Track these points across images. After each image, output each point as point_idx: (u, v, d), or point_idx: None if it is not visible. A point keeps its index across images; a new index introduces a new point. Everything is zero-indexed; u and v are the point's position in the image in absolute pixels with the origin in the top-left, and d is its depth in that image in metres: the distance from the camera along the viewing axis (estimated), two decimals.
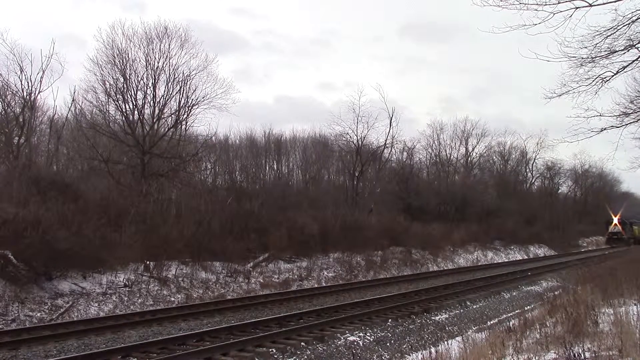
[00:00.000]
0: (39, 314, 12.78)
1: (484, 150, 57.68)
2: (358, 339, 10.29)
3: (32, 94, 24.82)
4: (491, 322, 12.63)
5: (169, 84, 26.51)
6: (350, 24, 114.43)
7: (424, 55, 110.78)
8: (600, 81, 12.47)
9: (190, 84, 26.77)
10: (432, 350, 8.44)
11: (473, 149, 56.90)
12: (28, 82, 24.55)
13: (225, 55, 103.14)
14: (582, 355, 6.71)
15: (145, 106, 26.41)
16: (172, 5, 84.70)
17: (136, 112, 26.18)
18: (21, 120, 24.74)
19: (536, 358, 7.23)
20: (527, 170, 65.57)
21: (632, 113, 13.81)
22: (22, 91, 24.69)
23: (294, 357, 9.03)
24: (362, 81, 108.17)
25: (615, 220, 55.02)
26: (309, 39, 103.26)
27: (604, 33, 11.37)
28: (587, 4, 10.81)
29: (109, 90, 25.17)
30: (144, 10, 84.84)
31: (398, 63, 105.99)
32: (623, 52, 11.88)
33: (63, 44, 60.84)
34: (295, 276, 21.22)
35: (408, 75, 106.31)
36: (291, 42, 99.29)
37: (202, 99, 27.02)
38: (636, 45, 11.78)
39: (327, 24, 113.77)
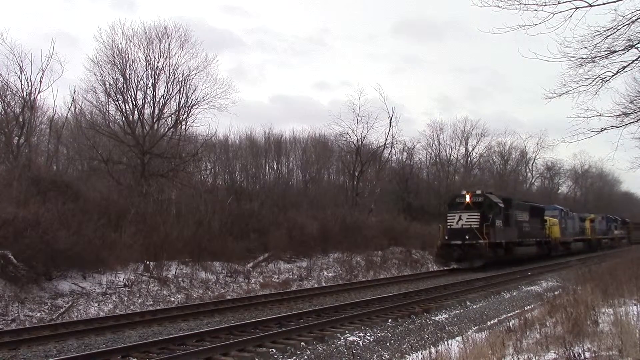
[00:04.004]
0: (39, 314, 12.77)
1: (484, 150, 57.74)
2: (358, 339, 10.27)
3: (32, 94, 24.88)
4: (491, 322, 12.61)
5: (169, 84, 26.59)
6: (344, 22, 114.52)
7: (419, 54, 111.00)
8: (600, 81, 12.50)
9: (190, 84, 26.86)
10: (432, 350, 8.43)
11: (473, 149, 56.96)
12: (28, 82, 24.62)
13: (219, 54, 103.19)
14: (582, 355, 6.71)
15: (145, 106, 26.49)
16: (163, 3, 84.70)
17: (136, 112, 26.25)
18: (21, 120, 24.75)
19: (536, 358, 7.23)
20: (527, 170, 65.75)
21: (632, 113, 13.84)
22: (22, 91, 24.74)
23: (294, 357, 9.02)
24: (358, 80, 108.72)
25: (467, 197, 24.83)
26: (303, 38, 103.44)
27: (604, 33, 11.39)
28: (587, 4, 10.83)
29: (109, 90, 25.25)
30: (133, 8, 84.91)
31: (393, 62, 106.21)
32: (623, 52, 11.92)
33: (55, 42, 60.93)
34: (295, 276, 21.20)
35: (403, 75, 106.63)
36: (285, 41, 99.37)
37: (202, 99, 27.11)
38: (636, 45, 11.80)
39: (320, 22, 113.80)
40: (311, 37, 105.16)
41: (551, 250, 33.10)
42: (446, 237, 24.43)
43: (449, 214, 25.42)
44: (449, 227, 24.74)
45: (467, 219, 24.25)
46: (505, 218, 26.02)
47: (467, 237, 23.57)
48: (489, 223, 24.05)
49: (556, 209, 37.03)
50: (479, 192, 25.97)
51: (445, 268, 25.29)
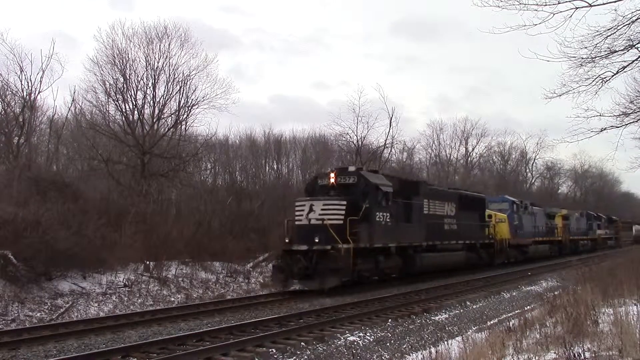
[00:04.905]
0: (39, 314, 12.78)
1: (484, 150, 57.83)
2: (358, 339, 10.28)
3: (32, 94, 24.88)
4: (491, 322, 12.61)
5: (169, 84, 26.61)
6: (342, 21, 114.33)
7: (417, 54, 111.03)
8: (600, 81, 12.48)
9: (190, 84, 26.88)
10: (432, 350, 8.45)
11: (473, 149, 57.08)
12: (28, 82, 24.63)
13: (217, 54, 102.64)
14: (582, 355, 6.71)
15: (145, 106, 26.52)
16: (160, 3, 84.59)
17: (136, 112, 26.28)
18: (21, 120, 24.77)
19: (536, 358, 7.23)
20: (527, 170, 65.80)
21: (632, 113, 13.82)
22: (22, 91, 24.75)
23: (294, 357, 9.02)
24: (357, 80, 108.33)
25: (331, 178, 16.79)
26: (301, 37, 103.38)
27: (604, 33, 11.38)
28: (587, 4, 10.82)
29: (109, 90, 25.29)
30: (131, 7, 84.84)
31: (392, 62, 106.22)
32: (623, 52, 11.91)
33: (54, 42, 60.94)
34: None
35: (402, 74, 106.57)
36: (282, 41, 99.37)
37: (202, 99, 27.12)
38: (636, 45, 11.79)
39: (318, 21, 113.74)
40: (309, 36, 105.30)
41: (494, 256, 25.20)
42: (287, 240, 16.07)
43: (297, 203, 16.56)
44: (296, 223, 16.20)
45: (322, 210, 15.53)
46: (401, 210, 17.88)
47: (317, 240, 15.07)
48: (358, 217, 15.57)
49: (505, 201, 29.08)
50: (352, 168, 17.54)
51: (280, 290, 15.89)
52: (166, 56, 26.13)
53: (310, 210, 15.78)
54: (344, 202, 15.85)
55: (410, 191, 19.11)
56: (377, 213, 16.58)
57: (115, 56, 25.13)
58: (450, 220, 21.55)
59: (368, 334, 10.68)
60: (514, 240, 27.51)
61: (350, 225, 15.41)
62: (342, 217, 15.55)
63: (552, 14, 10.76)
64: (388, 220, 17.05)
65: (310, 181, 19.10)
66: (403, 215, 18.19)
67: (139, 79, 25.80)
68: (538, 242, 31.39)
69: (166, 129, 27.57)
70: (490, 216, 25.97)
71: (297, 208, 16.44)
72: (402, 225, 17.99)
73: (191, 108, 27.53)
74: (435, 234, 20.04)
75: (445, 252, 20.70)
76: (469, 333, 10.76)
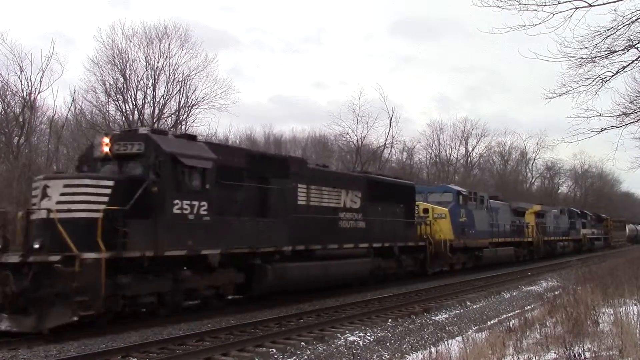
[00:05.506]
0: None
1: (484, 150, 57.85)
2: (358, 339, 10.28)
3: (32, 94, 24.92)
4: (491, 322, 12.60)
5: (169, 84, 26.70)
6: (340, 21, 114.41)
7: (416, 54, 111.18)
8: (600, 81, 12.52)
9: (190, 84, 26.93)
10: (432, 350, 8.43)
11: (473, 149, 57.09)
12: (28, 82, 24.67)
13: (216, 54, 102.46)
14: (582, 355, 6.72)
15: (145, 106, 26.59)
16: (158, 2, 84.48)
17: (136, 112, 26.31)
18: (21, 120, 24.80)
19: (536, 358, 7.23)
20: (527, 170, 65.89)
21: (632, 113, 13.85)
22: (22, 91, 24.80)
23: (294, 357, 9.02)
24: (356, 80, 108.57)
25: (105, 145, 10.58)
26: (301, 37, 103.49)
27: (604, 33, 11.41)
28: (587, 4, 10.84)
29: (109, 90, 25.36)
30: (127, 6, 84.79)
31: (391, 62, 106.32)
32: (623, 52, 11.94)
33: (50, 41, 60.98)
34: None
35: (401, 74, 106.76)
36: (282, 40, 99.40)
37: (202, 99, 27.19)
38: (636, 45, 11.81)
39: (317, 21, 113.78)
40: (309, 36, 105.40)
41: (426, 263, 19.92)
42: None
43: (33, 185, 11.16)
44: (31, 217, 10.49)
45: (63, 195, 9.96)
46: (250, 198, 12.80)
47: (37, 246, 9.61)
48: (127, 207, 9.97)
49: (448, 191, 23.00)
50: (142, 130, 11.54)
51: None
52: (166, 56, 26.25)
53: (44, 195, 9.97)
54: (108, 183, 10.22)
55: (272, 172, 13.49)
56: (177, 201, 10.77)
57: (115, 56, 25.26)
58: (351, 215, 16.00)
59: (368, 334, 10.68)
60: (458, 242, 21.71)
61: (109, 219, 9.82)
62: (98, 206, 9.88)
63: (552, 14, 10.79)
64: (203, 212, 11.28)
65: (84, 151, 12.63)
66: (252, 205, 12.75)
67: (139, 79, 25.93)
68: (498, 244, 25.42)
69: (166, 129, 27.60)
70: (426, 210, 21.11)
71: (32, 192, 10.73)
72: (240, 221, 12.28)
73: (191, 108, 27.66)
74: (319, 234, 14.63)
75: (331, 261, 14.92)
76: (469, 333, 10.75)
